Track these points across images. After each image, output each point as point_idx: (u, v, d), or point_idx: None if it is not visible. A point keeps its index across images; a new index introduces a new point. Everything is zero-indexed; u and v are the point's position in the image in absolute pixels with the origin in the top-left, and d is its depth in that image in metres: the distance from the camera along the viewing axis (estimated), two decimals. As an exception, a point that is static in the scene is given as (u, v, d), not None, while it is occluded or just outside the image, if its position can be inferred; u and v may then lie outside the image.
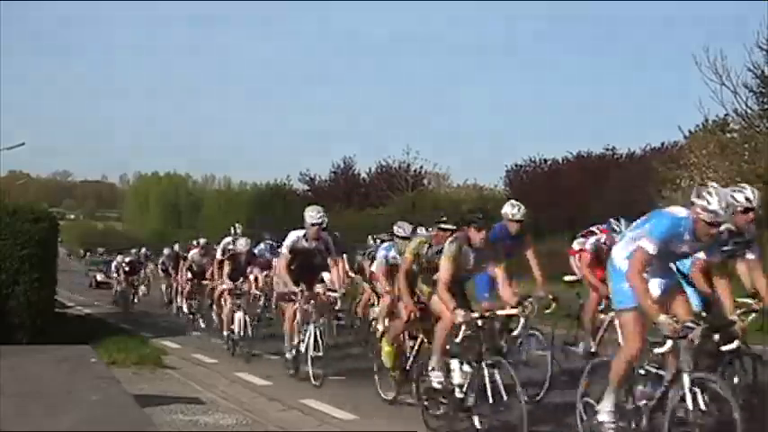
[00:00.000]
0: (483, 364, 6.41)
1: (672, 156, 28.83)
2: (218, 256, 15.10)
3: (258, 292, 14.68)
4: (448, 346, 7.05)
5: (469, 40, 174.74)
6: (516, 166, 47.59)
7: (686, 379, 5.21)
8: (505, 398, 6.21)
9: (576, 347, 9.46)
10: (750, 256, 6.35)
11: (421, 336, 7.96)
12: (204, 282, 16.82)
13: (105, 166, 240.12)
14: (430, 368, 7.03)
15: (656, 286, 5.68)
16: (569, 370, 8.75)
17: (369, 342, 11.24)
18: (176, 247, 22.64)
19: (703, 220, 5.26)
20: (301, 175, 54.66)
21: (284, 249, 10.12)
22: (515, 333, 8.13)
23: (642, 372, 5.73)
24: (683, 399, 5.20)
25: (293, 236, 10.03)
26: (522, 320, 7.76)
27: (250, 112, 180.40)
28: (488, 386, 6.30)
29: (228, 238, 15.26)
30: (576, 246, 9.85)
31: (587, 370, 6.15)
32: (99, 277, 37.93)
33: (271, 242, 16.75)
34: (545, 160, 46.94)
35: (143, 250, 29.59)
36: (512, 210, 8.82)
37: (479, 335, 6.58)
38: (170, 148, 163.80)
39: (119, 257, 27.44)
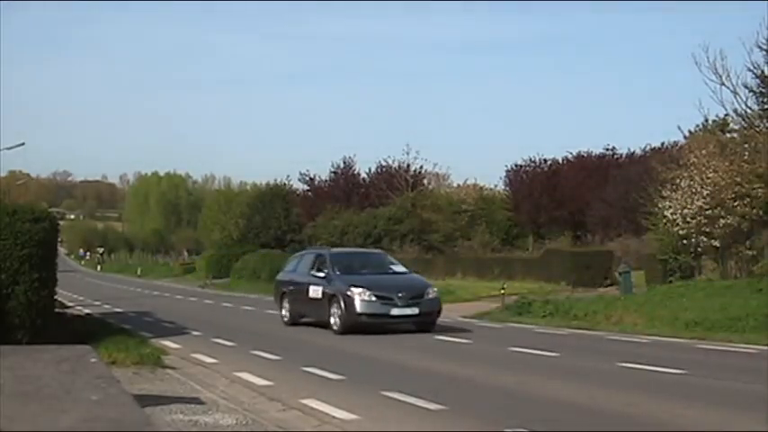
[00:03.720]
0: None
1: (672, 156, 28.82)
2: None
3: None
4: None
5: (470, 41, 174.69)
6: (516, 166, 47.68)
7: None
8: None
9: None
10: None
11: None
12: None
13: (105, 166, 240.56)
14: None
15: None
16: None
17: None
18: None
19: None
20: (301, 175, 54.84)
21: None
22: None
23: None
24: None
25: None
26: None
27: (250, 111, 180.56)
28: None
29: None
30: None
31: None
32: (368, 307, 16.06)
33: None
34: (545, 160, 47.07)
35: None
36: None
37: None
38: (170, 148, 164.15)
39: None
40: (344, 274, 16.34)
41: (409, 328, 15.68)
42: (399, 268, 17.50)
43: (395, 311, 15.39)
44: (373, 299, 15.43)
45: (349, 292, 15.50)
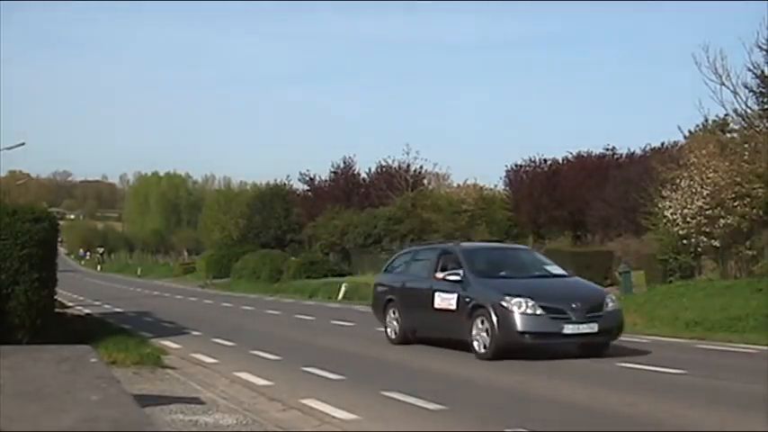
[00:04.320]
0: None
1: (672, 156, 28.81)
2: None
3: None
4: None
5: (470, 41, 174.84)
6: (516, 166, 47.63)
7: None
8: None
9: None
10: None
11: None
12: None
13: (105, 166, 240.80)
14: None
15: None
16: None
17: None
18: None
19: None
20: (301, 175, 54.79)
21: None
22: None
23: None
24: None
25: None
26: None
27: (250, 111, 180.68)
28: None
29: None
30: None
31: None
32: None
33: None
34: (545, 160, 46.98)
35: None
36: None
37: None
38: (170, 148, 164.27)
39: None
40: (487, 278, 12.33)
41: (572, 351, 11.77)
42: (556, 269, 13.09)
43: (568, 329, 11.32)
44: (539, 312, 11.35)
45: (504, 303, 11.42)
